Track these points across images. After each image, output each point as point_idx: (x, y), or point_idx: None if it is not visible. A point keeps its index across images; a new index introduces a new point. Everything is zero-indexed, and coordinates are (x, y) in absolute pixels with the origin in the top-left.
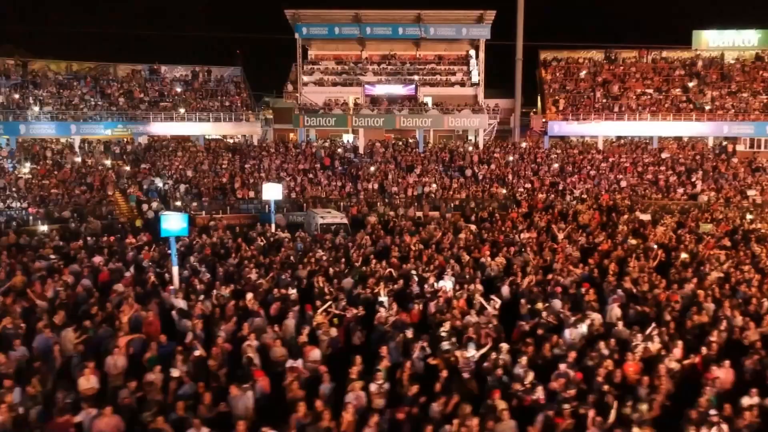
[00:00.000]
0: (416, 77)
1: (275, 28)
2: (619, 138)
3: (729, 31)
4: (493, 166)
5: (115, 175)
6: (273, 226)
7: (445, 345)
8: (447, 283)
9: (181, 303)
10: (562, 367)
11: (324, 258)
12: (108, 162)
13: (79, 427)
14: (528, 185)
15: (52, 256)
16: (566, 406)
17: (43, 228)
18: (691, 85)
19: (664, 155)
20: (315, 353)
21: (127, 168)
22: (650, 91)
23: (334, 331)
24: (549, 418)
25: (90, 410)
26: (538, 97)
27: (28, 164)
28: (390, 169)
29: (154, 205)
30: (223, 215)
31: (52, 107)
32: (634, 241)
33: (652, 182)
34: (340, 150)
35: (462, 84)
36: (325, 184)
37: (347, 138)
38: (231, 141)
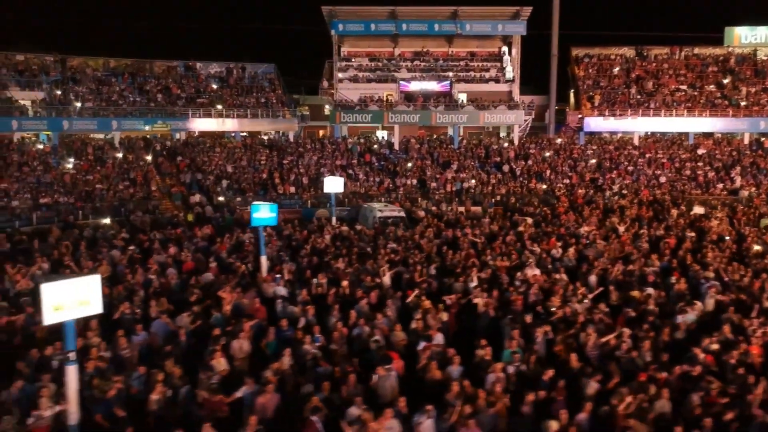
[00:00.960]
0: (450, 74)
1: (305, 25)
2: (652, 134)
3: (761, 28)
4: (530, 162)
5: (156, 170)
6: (333, 219)
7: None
8: (536, 272)
9: (282, 291)
10: (696, 350)
11: (397, 249)
12: (149, 158)
13: (233, 404)
14: (566, 181)
15: (131, 247)
16: (714, 386)
17: (106, 221)
18: (725, 81)
19: (700, 151)
20: (439, 337)
21: (168, 164)
22: (684, 87)
23: (445, 316)
24: (705, 394)
25: (251, 385)
26: (571, 93)
27: (71, 160)
28: (427, 165)
29: (197, 197)
30: None
31: (92, 103)
32: (692, 233)
33: (691, 178)
34: (375, 146)
35: (496, 80)
36: (363, 179)
37: (380, 134)
38: (264, 138)
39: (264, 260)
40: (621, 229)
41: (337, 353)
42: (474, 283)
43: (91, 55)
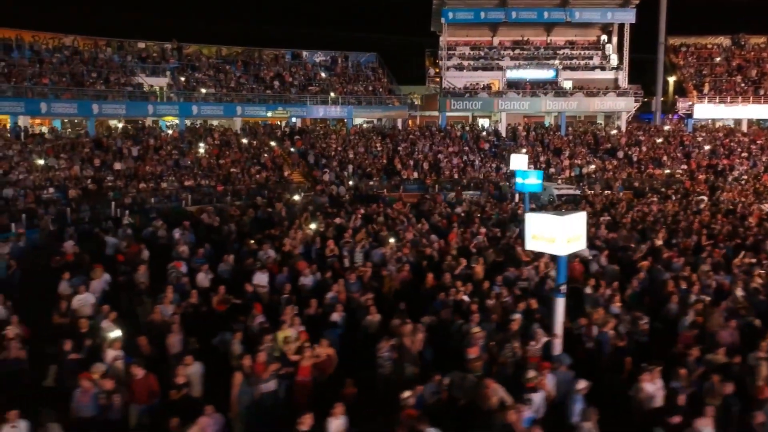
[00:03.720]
0: (556, 61)
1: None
2: (758, 121)
3: None
4: (644, 148)
5: (287, 155)
6: (517, 196)
7: None
8: None
9: None
10: None
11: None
12: (273, 143)
13: None
14: (684, 167)
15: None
16: None
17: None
18: None
19: None
20: None
21: (293, 149)
22: None
23: None
24: None
25: None
26: (670, 81)
27: (202, 144)
28: (539, 152)
29: (329, 176)
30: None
31: (214, 89)
32: None
33: None
34: (483, 133)
35: (602, 68)
36: (479, 165)
37: (482, 122)
38: (369, 125)
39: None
40: None
41: None
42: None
43: (203, 43)
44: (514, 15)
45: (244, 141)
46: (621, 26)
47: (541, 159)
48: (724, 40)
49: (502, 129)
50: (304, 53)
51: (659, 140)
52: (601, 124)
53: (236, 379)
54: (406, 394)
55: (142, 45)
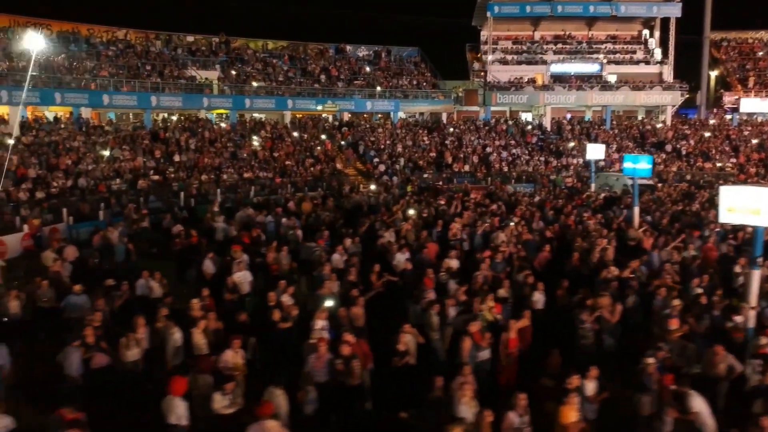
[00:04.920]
0: (600, 56)
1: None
2: None
3: None
4: (691, 142)
5: (339, 149)
6: (593, 186)
7: None
8: None
9: None
10: None
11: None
12: (324, 136)
13: None
14: (733, 160)
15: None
16: None
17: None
18: None
19: None
20: None
21: (343, 142)
22: None
23: None
24: None
25: None
26: (712, 76)
27: (256, 137)
28: (585, 145)
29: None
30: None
31: (264, 83)
32: None
33: None
34: (529, 127)
35: (646, 62)
36: (527, 159)
37: (524, 116)
38: (411, 119)
39: (637, 211)
40: None
41: None
42: None
43: (249, 37)
44: (559, 9)
45: (295, 134)
46: (663, 20)
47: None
48: (765, 35)
49: (546, 123)
50: (348, 47)
51: (707, 134)
52: (642, 118)
53: (466, 343)
54: (649, 359)
55: (190, 38)
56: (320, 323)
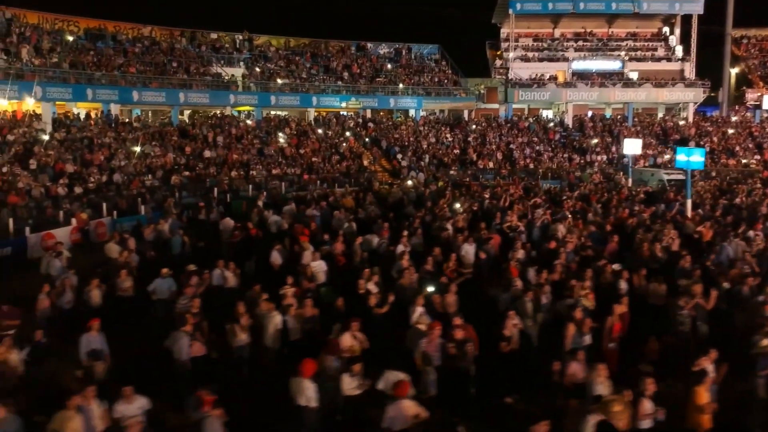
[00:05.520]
0: (622, 53)
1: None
2: None
3: None
4: (715, 139)
5: (363, 146)
6: (630, 181)
7: None
8: None
9: None
10: None
11: None
12: (348, 133)
13: None
14: (757, 157)
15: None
16: None
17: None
18: None
19: None
20: None
21: (367, 139)
22: None
23: None
24: None
25: None
26: (732, 72)
27: (281, 134)
28: (609, 142)
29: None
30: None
31: (288, 80)
32: None
33: None
34: (551, 125)
35: (668, 59)
36: (550, 155)
37: (546, 113)
38: (432, 116)
39: (689, 203)
40: None
41: None
42: None
43: (271, 34)
44: (581, 6)
45: (320, 131)
46: (684, 18)
47: (612, 149)
48: None
49: (568, 120)
50: (369, 45)
51: (731, 131)
52: (663, 116)
53: (570, 329)
54: (764, 341)
55: (214, 36)
56: (419, 309)
